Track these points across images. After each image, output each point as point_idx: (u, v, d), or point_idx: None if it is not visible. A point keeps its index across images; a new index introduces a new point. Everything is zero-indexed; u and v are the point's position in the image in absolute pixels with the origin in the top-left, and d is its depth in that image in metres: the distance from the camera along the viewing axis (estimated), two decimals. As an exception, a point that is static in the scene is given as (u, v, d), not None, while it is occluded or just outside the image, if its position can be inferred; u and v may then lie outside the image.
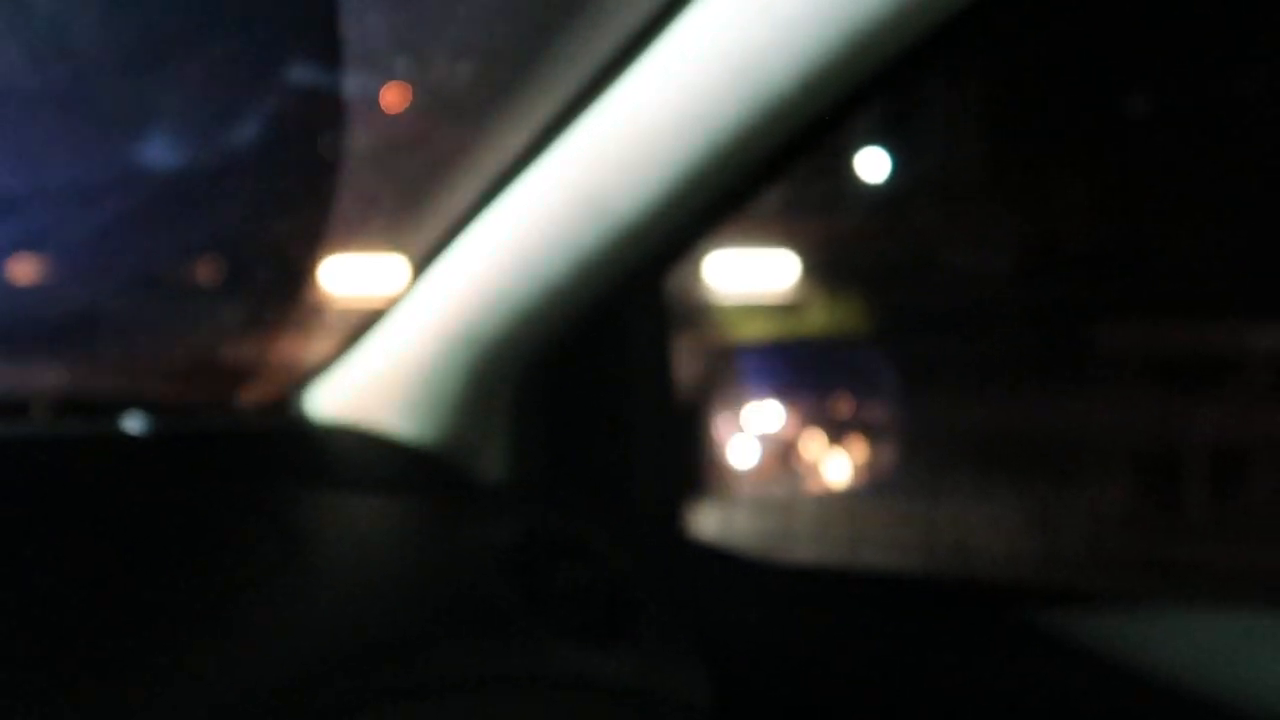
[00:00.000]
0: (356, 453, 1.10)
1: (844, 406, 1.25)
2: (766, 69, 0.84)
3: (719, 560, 1.14)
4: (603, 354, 1.13)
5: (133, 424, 1.04)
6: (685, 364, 1.18)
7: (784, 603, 1.11)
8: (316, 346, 1.13)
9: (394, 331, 1.08)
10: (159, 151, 1.04)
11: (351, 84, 0.97)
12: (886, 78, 0.87)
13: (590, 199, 0.95)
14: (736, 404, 1.21)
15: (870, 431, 1.25)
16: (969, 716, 1.02)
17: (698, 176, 0.92)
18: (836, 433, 1.24)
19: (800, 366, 1.28)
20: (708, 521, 1.18)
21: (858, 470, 1.24)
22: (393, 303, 1.07)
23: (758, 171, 0.95)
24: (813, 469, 1.23)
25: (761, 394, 1.23)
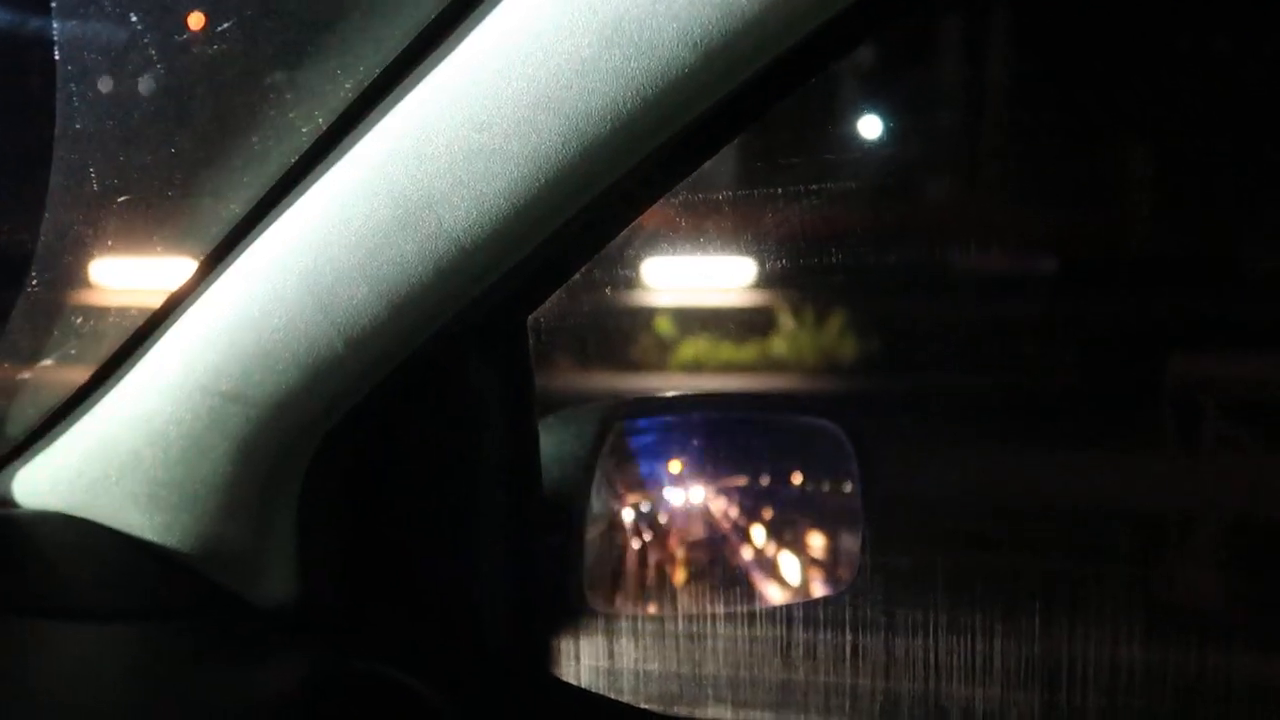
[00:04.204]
0: (74, 556, 1.09)
1: (783, 491, 1.29)
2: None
3: (590, 712, 1.15)
4: (431, 424, 1.13)
5: None
6: (555, 434, 1.19)
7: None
8: (22, 413, 1.13)
9: (130, 393, 1.07)
10: None
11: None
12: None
13: (413, 205, 0.95)
14: (628, 489, 1.23)
15: (822, 528, 1.29)
16: None
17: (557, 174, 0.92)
18: (773, 530, 1.28)
19: (722, 432, 1.30)
20: (579, 657, 1.20)
21: (799, 585, 1.28)
22: (128, 354, 1.06)
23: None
24: (734, 582, 1.27)
25: (665, 473, 1.25)
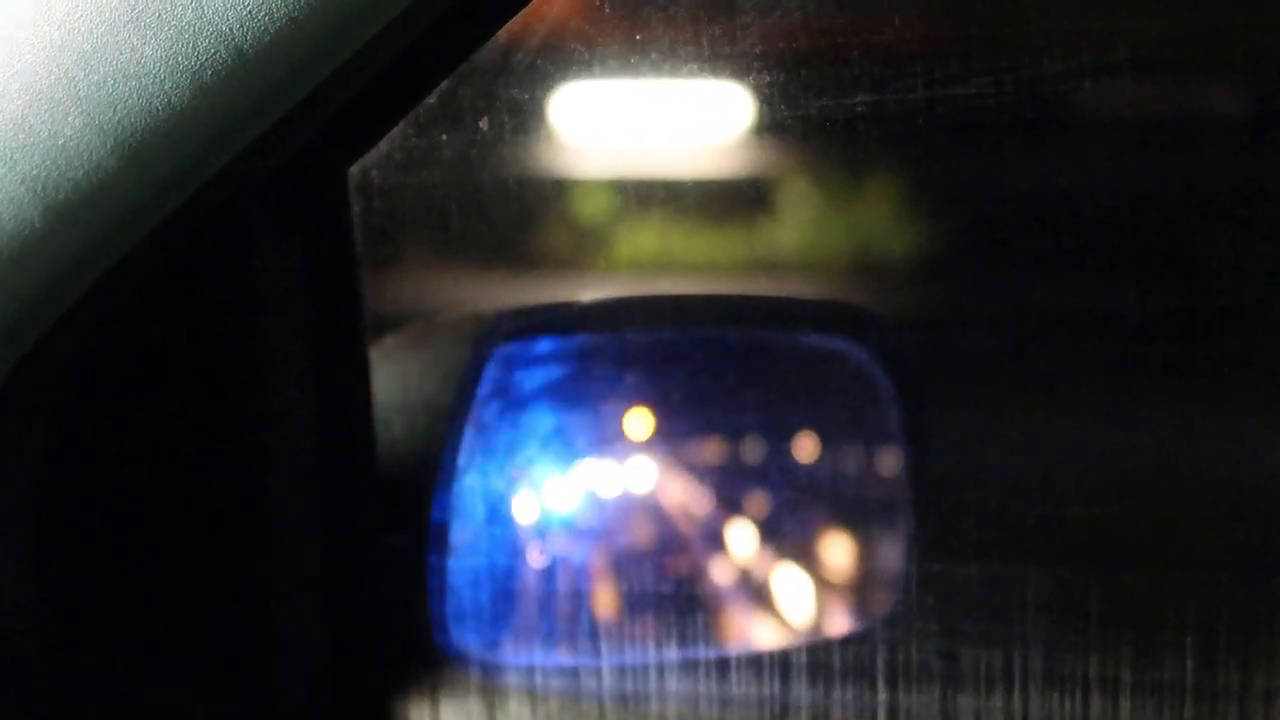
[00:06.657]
0: None
1: (780, 461, 1.30)
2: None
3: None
4: (194, 344, 1.15)
5: None
6: (399, 365, 1.22)
7: None
8: None
9: None
10: None
11: None
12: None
13: None
14: (520, 457, 1.26)
15: (844, 523, 1.31)
16: None
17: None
18: (762, 525, 1.31)
19: (679, 363, 1.33)
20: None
21: (805, 617, 1.31)
22: None
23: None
24: (698, 611, 1.29)
25: (583, 430, 1.28)
